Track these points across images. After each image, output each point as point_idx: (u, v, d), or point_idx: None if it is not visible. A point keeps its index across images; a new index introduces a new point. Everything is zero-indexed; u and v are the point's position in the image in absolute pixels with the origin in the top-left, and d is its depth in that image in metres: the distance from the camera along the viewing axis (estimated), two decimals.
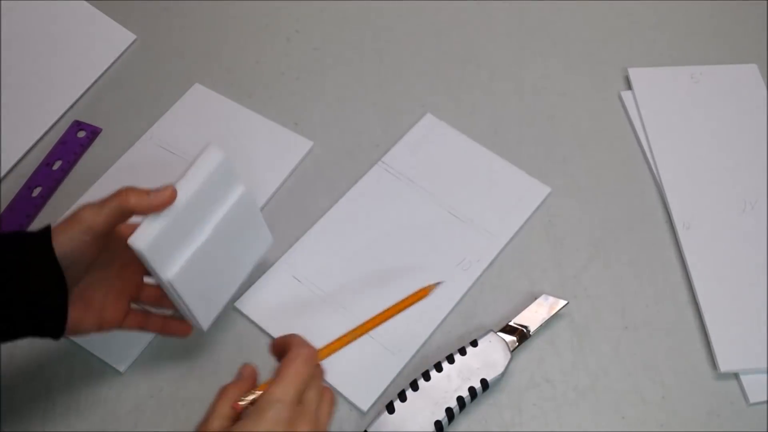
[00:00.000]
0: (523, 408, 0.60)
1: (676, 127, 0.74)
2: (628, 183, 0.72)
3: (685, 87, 0.77)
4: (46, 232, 0.49)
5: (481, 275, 0.66)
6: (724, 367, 0.61)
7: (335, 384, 0.60)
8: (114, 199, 0.50)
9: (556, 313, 0.63)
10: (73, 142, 0.73)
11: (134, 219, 0.50)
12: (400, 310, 0.55)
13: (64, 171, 0.71)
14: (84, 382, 0.61)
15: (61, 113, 0.75)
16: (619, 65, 0.79)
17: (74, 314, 0.51)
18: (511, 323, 0.62)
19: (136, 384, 0.61)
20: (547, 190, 0.71)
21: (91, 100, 0.76)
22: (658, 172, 0.72)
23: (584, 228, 0.69)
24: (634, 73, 0.78)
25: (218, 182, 0.53)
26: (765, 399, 0.61)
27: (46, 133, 0.74)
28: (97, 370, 0.61)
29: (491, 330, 0.61)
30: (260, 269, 0.65)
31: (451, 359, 0.59)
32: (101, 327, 0.54)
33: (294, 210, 0.70)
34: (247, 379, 0.49)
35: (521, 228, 0.69)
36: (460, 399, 0.58)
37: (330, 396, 0.50)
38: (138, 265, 0.52)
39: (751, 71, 0.78)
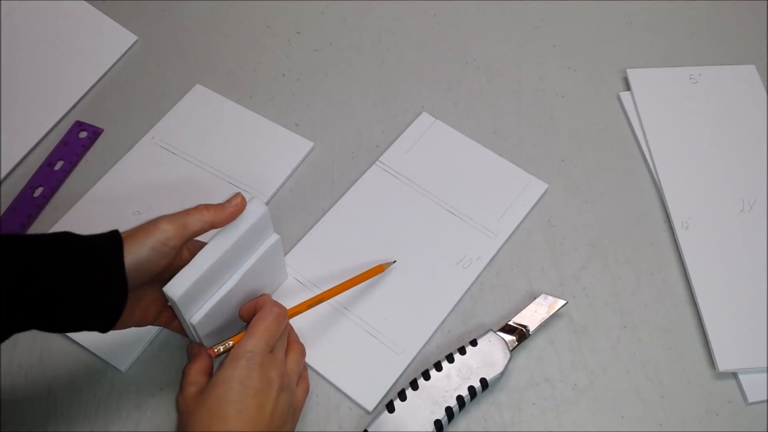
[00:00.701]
0: (523, 407, 0.61)
1: (675, 128, 0.75)
2: (626, 183, 0.72)
3: (684, 88, 0.77)
4: (118, 240, 0.50)
5: (481, 273, 0.66)
6: (722, 366, 0.62)
7: (340, 384, 0.61)
8: (194, 214, 0.52)
9: (555, 312, 0.63)
10: (75, 143, 0.73)
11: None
12: (358, 282, 0.61)
13: (66, 171, 0.71)
14: (85, 382, 0.61)
15: (62, 114, 0.75)
16: (617, 66, 0.80)
17: (124, 313, 0.52)
18: (510, 323, 0.62)
19: (137, 384, 0.61)
20: (544, 186, 0.71)
21: (93, 101, 0.77)
22: (656, 173, 0.72)
23: (583, 228, 0.70)
24: (632, 74, 0.78)
25: (256, 233, 0.55)
26: (763, 398, 0.61)
27: (48, 133, 0.74)
28: (99, 370, 0.62)
29: (491, 329, 0.61)
30: None
31: (450, 358, 0.60)
32: (140, 323, 0.56)
33: (294, 210, 0.70)
34: (203, 353, 0.55)
35: (521, 227, 0.69)
36: (459, 398, 0.58)
37: (299, 348, 0.57)
38: None
39: (749, 72, 0.78)
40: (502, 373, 0.60)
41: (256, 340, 0.52)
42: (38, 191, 0.70)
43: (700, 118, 0.75)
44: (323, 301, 0.59)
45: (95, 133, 0.74)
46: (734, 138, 0.74)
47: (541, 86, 0.78)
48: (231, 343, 0.54)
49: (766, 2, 0.85)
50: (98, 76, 0.78)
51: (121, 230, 0.51)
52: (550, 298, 0.63)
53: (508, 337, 0.61)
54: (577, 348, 0.63)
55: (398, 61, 0.80)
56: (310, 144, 0.73)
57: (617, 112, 0.77)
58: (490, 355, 0.60)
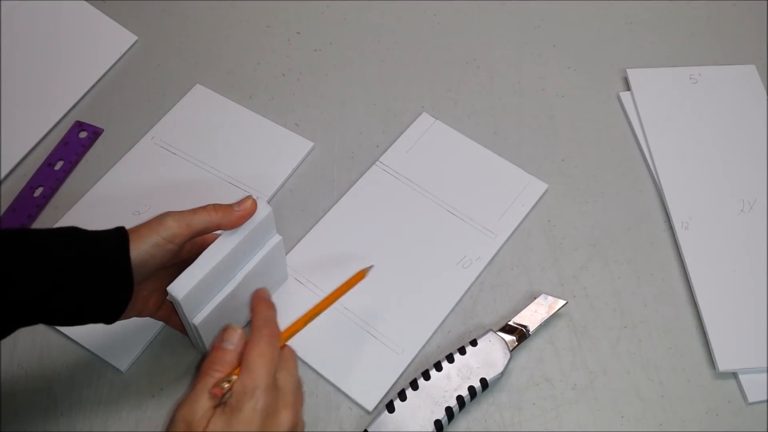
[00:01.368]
0: (523, 407, 0.61)
1: (675, 128, 0.75)
2: (627, 183, 0.72)
3: (684, 88, 0.77)
4: (124, 236, 0.50)
5: (480, 273, 0.66)
6: (722, 366, 0.62)
7: (340, 384, 0.61)
8: (201, 214, 0.51)
9: (555, 312, 0.63)
10: (75, 143, 0.73)
11: None
12: (343, 293, 0.56)
13: (66, 171, 0.71)
14: (85, 382, 0.61)
15: (62, 114, 0.75)
16: (617, 66, 0.80)
17: (128, 306, 0.52)
18: (510, 323, 0.62)
19: (137, 383, 0.61)
20: (544, 186, 0.71)
21: (93, 101, 0.77)
22: (656, 173, 0.72)
23: (583, 228, 0.70)
24: (632, 74, 0.78)
25: (258, 234, 0.55)
26: (763, 398, 0.61)
27: (48, 133, 0.74)
28: (98, 370, 0.62)
29: (491, 329, 0.61)
30: None
31: (450, 358, 0.60)
32: (140, 314, 0.56)
33: (295, 210, 0.70)
34: (229, 363, 0.48)
35: (521, 227, 0.69)
36: (459, 398, 0.58)
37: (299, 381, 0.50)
38: None
39: (749, 72, 0.78)
40: (502, 373, 0.60)
41: (253, 373, 0.46)
42: (38, 191, 0.70)
43: (700, 118, 0.75)
44: (311, 319, 0.54)
45: (95, 133, 0.74)
46: (734, 138, 0.74)
47: (541, 86, 0.78)
48: (235, 377, 0.47)
49: (766, 2, 0.85)
50: (98, 76, 0.78)
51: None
52: (550, 298, 0.63)
53: (508, 337, 0.61)
54: (577, 348, 0.63)
55: (398, 61, 0.80)
56: (310, 144, 0.73)
57: (617, 112, 0.77)
58: (490, 355, 0.60)
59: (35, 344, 0.63)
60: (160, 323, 0.63)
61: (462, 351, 0.60)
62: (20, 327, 0.48)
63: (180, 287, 0.51)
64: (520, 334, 0.62)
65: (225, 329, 0.49)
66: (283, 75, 0.79)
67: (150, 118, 0.75)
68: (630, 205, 0.71)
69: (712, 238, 0.68)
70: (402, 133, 0.74)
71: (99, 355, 0.62)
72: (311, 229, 0.68)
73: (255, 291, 0.52)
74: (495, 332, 0.61)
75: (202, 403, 0.45)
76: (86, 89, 0.77)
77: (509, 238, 0.68)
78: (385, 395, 0.60)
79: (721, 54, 0.81)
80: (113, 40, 0.80)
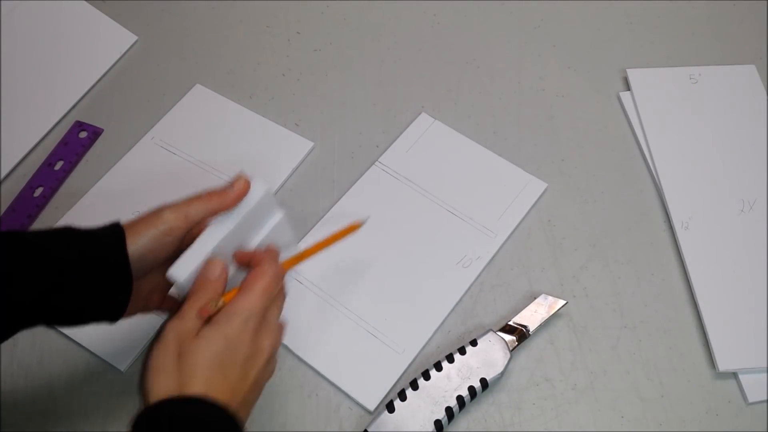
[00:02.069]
0: (523, 407, 0.61)
1: (675, 128, 0.75)
2: (627, 183, 0.72)
3: (684, 88, 0.77)
4: (119, 232, 0.49)
5: (481, 273, 0.66)
6: (722, 366, 0.62)
7: (340, 384, 0.61)
8: (196, 203, 0.51)
9: (555, 312, 0.63)
10: (75, 143, 0.73)
11: None
12: (334, 241, 0.57)
13: (66, 171, 0.71)
14: (85, 382, 0.61)
15: (62, 114, 0.75)
16: (617, 66, 0.80)
17: (130, 303, 0.52)
18: (510, 323, 0.62)
19: (137, 383, 0.61)
20: (544, 185, 0.71)
21: (93, 101, 0.77)
22: (656, 173, 0.72)
23: (583, 228, 0.70)
24: (632, 74, 0.78)
25: (259, 213, 0.54)
26: (764, 398, 0.61)
27: (48, 133, 0.74)
28: (98, 370, 0.62)
29: (491, 329, 0.61)
30: None
31: (450, 358, 0.60)
32: (144, 310, 0.55)
33: (295, 211, 0.70)
34: (217, 281, 0.49)
35: (521, 227, 0.69)
36: (459, 398, 0.58)
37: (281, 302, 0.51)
38: None
39: (749, 72, 0.78)
40: (502, 373, 0.60)
41: (253, 300, 0.48)
42: (38, 191, 0.70)
43: (700, 118, 0.75)
44: (307, 257, 0.56)
45: (95, 133, 0.74)
46: (734, 138, 0.74)
47: (541, 86, 0.78)
48: (222, 302, 0.48)
49: (766, 2, 0.85)
50: (98, 76, 0.78)
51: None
52: (550, 298, 0.63)
53: (508, 337, 0.61)
54: (578, 348, 0.63)
55: (398, 61, 0.80)
56: (310, 144, 0.73)
57: (617, 112, 0.77)
58: (490, 355, 0.60)
59: (35, 345, 0.63)
60: (159, 323, 0.63)
61: (462, 351, 0.60)
62: (22, 329, 0.48)
63: (180, 270, 0.50)
64: (520, 334, 0.62)
65: (207, 263, 0.50)
66: (283, 75, 0.79)
67: (150, 118, 0.75)
68: (630, 204, 0.71)
69: (713, 238, 0.68)
70: (402, 133, 0.74)
71: (99, 356, 0.62)
72: (311, 229, 0.68)
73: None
74: (495, 332, 0.61)
75: (191, 319, 0.47)
76: (86, 89, 0.77)
77: (509, 237, 0.68)
78: (386, 395, 0.60)
79: (721, 54, 0.81)
80: (113, 40, 0.80)
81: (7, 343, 0.62)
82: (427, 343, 0.63)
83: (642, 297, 0.66)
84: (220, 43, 0.81)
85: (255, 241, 0.55)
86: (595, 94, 0.78)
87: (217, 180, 0.71)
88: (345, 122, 0.75)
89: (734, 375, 0.62)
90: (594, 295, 0.66)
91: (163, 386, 0.45)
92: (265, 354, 0.48)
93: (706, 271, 0.66)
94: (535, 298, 0.64)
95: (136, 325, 0.62)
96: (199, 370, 0.45)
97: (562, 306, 0.63)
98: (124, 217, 0.51)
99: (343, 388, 0.60)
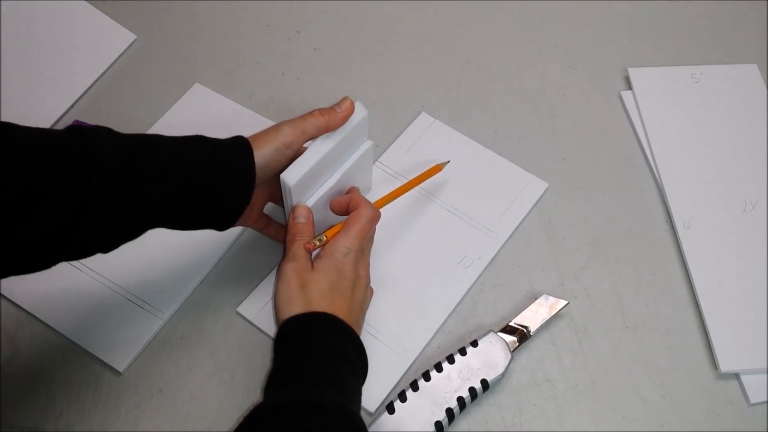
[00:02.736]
0: (524, 408, 0.60)
1: (677, 127, 0.74)
2: (628, 183, 0.72)
3: (685, 87, 0.77)
4: (246, 144, 0.55)
5: (482, 273, 0.66)
6: (724, 367, 0.61)
7: None
8: (310, 119, 0.56)
9: (556, 313, 0.63)
10: None
11: None
12: (421, 181, 0.66)
13: None
14: (84, 382, 0.61)
15: (61, 113, 0.75)
16: (619, 65, 0.79)
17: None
18: (511, 323, 0.62)
19: (136, 384, 0.61)
20: (544, 185, 0.71)
21: (92, 100, 0.76)
22: (658, 172, 0.72)
23: (584, 228, 0.69)
24: (634, 73, 0.78)
25: (355, 134, 0.59)
26: (765, 399, 0.61)
27: None
28: (97, 370, 0.61)
29: (491, 330, 0.61)
30: (261, 275, 0.65)
31: (451, 359, 0.59)
32: (244, 222, 0.61)
33: None
34: (306, 224, 0.58)
35: (521, 227, 0.69)
36: (460, 399, 0.58)
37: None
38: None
39: (751, 71, 0.78)
40: (503, 374, 0.59)
41: (352, 239, 0.56)
42: None
43: (701, 117, 0.75)
44: (396, 197, 0.63)
45: None
46: (736, 137, 0.74)
47: (542, 85, 0.78)
48: (325, 238, 0.57)
49: (766, 2, 0.85)
50: (97, 75, 0.77)
51: None
52: (551, 298, 0.63)
53: (509, 338, 0.61)
54: (579, 348, 0.63)
55: (398, 60, 0.80)
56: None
57: (618, 111, 0.77)
58: (490, 355, 0.60)
59: (34, 345, 0.62)
60: (158, 324, 0.63)
61: (463, 352, 0.60)
62: (147, 230, 0.53)
63: (292, 174, 0.56)
64: (521, 334, 0.62)
65: (294, 208, 0.58)
66: (283, 74, 0.79)
67: (149, 117, 0.75)
68: (631, 204, 0.71)
69: (714, 238, 0.68)
70: (402, 132, 0.74)
71: (98, 356, 0.61)
72: None
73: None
74: (496, 333, 0.61)
75: (302, 257, 0.56)
76: (85, 88, 0.76)
77: (510, 237, 0.68)
78: (387, 396, 0.60)
79: (722, 53, 0.81)
80: (112, 39, 0.80)
81: (7, 343, 0.62)
82: (427, 344, 0.63)
83: (643, 297, 0.66)
84: (220, 43, 0.81)
85: (349, 162, 0.61)
86: (596, 93, 0.78)
87: None
88: None
89: (736, 376, 0.62)
90: (595, 295, 0.66)
91: (295, 311, 0.53)
92: (363, 280, 0.57)
93: (707, 271, 0.66)
94: (536, 299, 0.63)
95: (135, 326, 0.62)
96: (320, 294, 0.54)
97: (564, 306, 0.63)
98: None
99: None
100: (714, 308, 0.64)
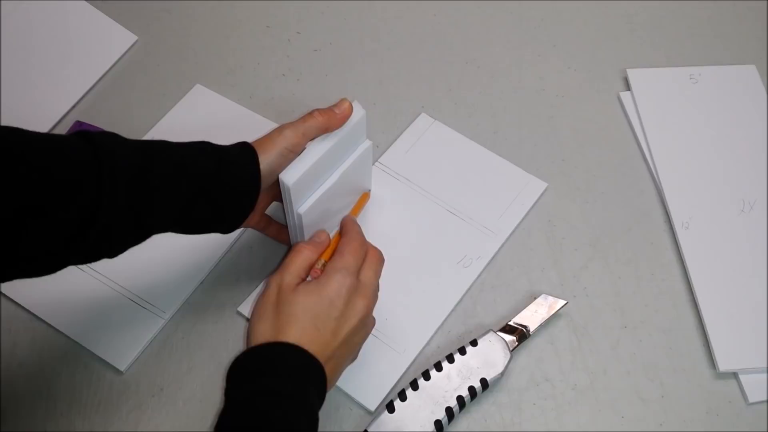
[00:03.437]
0: (523, 407, 0.61)
1: (675, 128, 0.74)
2: (627, 183, 0.72)
3: (684, 88, 0.77)
4: (252, 150, 0.55)
5: (481, 273, 0.66)
6: (723, 366, 0.62)
7: (341, 384, 0.60)
8: (310, 120, 0.56)
9: (555, 312, 0.63)
10: None
11: None
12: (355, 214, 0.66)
13: None
14: (85, 382, 0.61)
15: (62, 114, 0.75)
16: (617, 66, 0.80)
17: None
18: (510, 323, 0.62)
19: (137, 383, 0.61)
20: (544, 185, 0.71)
21: (93, 101, 0.76)
22: (657, 173, 0.72)
23: (583, 228, 0.70)
24: (632, 74, 0.78)
25: (354, 134, 0.60)
26: (764, 398, 0.61)
27: None
28: (98, 370, 0.62)
29: (491, 329, 0.61)
30: (262, 275, 0.66)
31: (450, 359, 0.60)
32: (247, 224, 0.60)
33: None
34: (321, 243, 0.57)
35: (521, 227, 0.69)
36: (459, 398, 0.58)
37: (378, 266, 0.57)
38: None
39: (749, 72, 0.78)
40: (502, 374, 0.59)
41: (344, 259, 0.54)
42: None
43: (700, 118, 0.75)
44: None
45: None
46: (734, 138, 0.74)
47: (541, 86, 0.78)
48: (323, 262, 0.56)
49: (766, 2, 0.85)
50: (98, 76, 0.77)
51: None
52: (551, 298, 0.63)
53: (509, 338, 0.61)
54: (578, 348, 0.63)
55: (398, 60, 0.80)
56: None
57: (617, 112, 0.77)
58: (490, 355, 0.60)
59: (35, 344, 0.63)
60: (160, 324, 0.63)
61: (462, 351, 0.60)
62: (154, 234, 0.53)
63: (291, 174, 0.56)
64: (521, 334, 0.62)
65: (318, 232, 0.58)
66: (283, 75, 0.79)
67: (150, 118, 0.75)
68: (630, 204, 0.71)
69: (713, 238, 0.68)
70: (402, 133, 0.74)
71: (99, 355, 0.62)
72: None
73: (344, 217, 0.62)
74: (495, 332, 0.61)
75: (290, 273, 0.53)
76: (86, 89, 0.77)
77: (509, 237, 0.68)
78: (387, 395, 0.60)
79: (721, 54, 0.81)
80: (113, 39, 0.80)
81: (7, 343, 0.62)
82: (427, 344, 0.63)
83: (642, 297, 0.66)
84: (220, 43, 0.81)
85: (348, 162, 0.61)
86: (596, 94, 0.78)
87: None
88: None
89: (735, 375, 0.62)
90: (594, 295, 0.66)
91: (261, 332, 0.51)
92: (358, 315, 0.53)
93: (706, 271, 0.66)
94: (535, 298, 0.64)
95: (136, 326, 0.63)
96: (293, 319, 0.50)
97: (563, 306, 0.63)
98: None
99: (343, 388, 0.60)
100: (712, 308, 0.64)
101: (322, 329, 0.51)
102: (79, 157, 0.48)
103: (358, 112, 0.59)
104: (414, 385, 0.58)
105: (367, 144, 0.62)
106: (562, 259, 0.68)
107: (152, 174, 0.50)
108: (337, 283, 0.52)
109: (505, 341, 0.61)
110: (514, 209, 0.69)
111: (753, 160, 0.72)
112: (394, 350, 0.62)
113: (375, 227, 0.68)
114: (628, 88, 0.78)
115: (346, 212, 0.66)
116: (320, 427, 0.59)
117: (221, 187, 0.53)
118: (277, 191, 0.58)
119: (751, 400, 0.61)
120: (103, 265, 0.62)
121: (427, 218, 0.69)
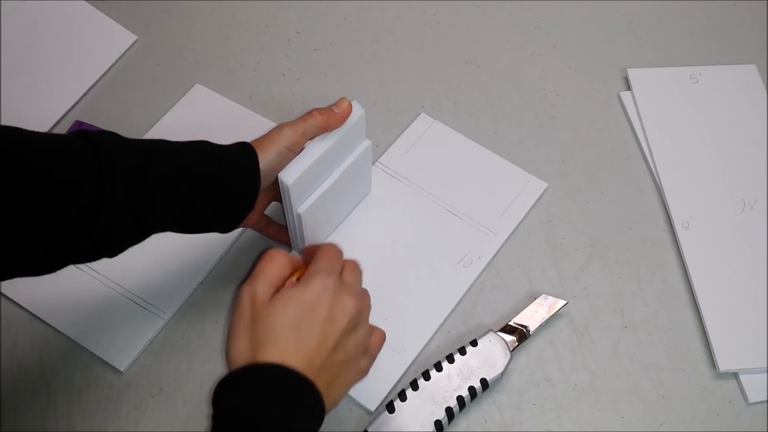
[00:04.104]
0: (523, 407, 0.61)
1: (675, 128, 0.74)
2: (627, 183, 0.72)
3: (684, 87, 0.77)
4: (251, 150, 0.55)
5: (481, 273, 0.66)
6: (723, 366, 0.62)
7: None
8: (309, 119, 0.56)
9: (555, 312, 0.63)
10: None
11: None
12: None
13: None
14: (85, 382, 0.61)
15: (62, 114, 0.75)
16: (618, 66, 0.80)
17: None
18: (510, 323, 0.62)
19: (137, 383, 0.61)
20: (544, 185, 0.71)
21: (93, 101, 0.76)
22: (657, 173, 0.72)
23: (583, 228, 0.70)
24: (633, 74, 0.78)
25: (353, 134, 0.60)
26: (764, 399, 0.61)
27: None
28: (98, 370, 0.62)
29: (491, 330, 0.61)
30: None
31: (451, 359, 0.60)
32: (246, 224, 0.60)
33: None
34: (297, 258, 0.52)
35: (521, 227, 0.69)
36: (459, 398, 0.58)
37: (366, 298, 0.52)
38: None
39: (750, 72, 0.78)
40: (502, 374, 0.59)
41: (323, 261, 0.49)
42: None
43: (700, 117, 0.75)
44: None
45: None
46: (735, 138, 0.74)
47: (541, 86, 0.78)
48: (296, 277, 0.50)
49: (766, 2, 0.85)
50: (98, 76, 0.78)
51: None
52: (551, 298, 0.63)
53: (509, 338, 0.61)
54: (578, 348, 0.63)
55: (398, 60, 0.80)
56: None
57: (618, 111, 0.77)
58: (490, 355, 0.60)
59: (35, 344, 0.63)
60: (159, 324, 0.63)
61: (462, 351, 0.60)
62: (153, 233, 0.53)
63: (290, 173, 0.56)
64: (521, 334, 0.62)
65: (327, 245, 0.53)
66: (283, 75, 0.79)
67: (150, 118, 0.75)
68: (630, 204, 0.71)
69: (713, 238, 0.68)
70: (402, 133, 0.74)
71: (99, 355, 0.62)
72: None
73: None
74: (495, 332, 0.61)
75: (262, 283, 0.47)
76: (86, 89, 0.77)
77: (509, 237, 0.68)
78: (387, 395, 0.60)
79: (721, 54, 0.81)
80: (113, 39, 0.80)
81: (7, 343, 0.62)
82: (427, 344, 0.63)
83: (642, 297, 0.66)
84: (220, 43, 0.81)
85: (347, 161, 0.61)
86: (596, 93, 0.78)
87: None
88: None
89: (735, 375, 0.62)
90: (594, 295, 0.66)
91: (238, 353, 0.46)
92: (347, 314, 0.47)
93: (706, 271, 0.66)
94: (535, 298, 0.64)
95: (136, 326, 0.63)
96: (272, 335, 0.45)
97: (563, 306, 0.63)
98: None
99: None
100: (713, 308, 0.64)
101: (306, 339, 0.45)
102: (79, 157, 0.48)
103: (358, 112, 0.58)
104: (414, 385, 0.58)
105: (366, 143, 0.62)
106: (562, 259, 0.68)
107: (152, 174, 0.50)
108: (318, 285, 0.47)
109: (505, 341, 0.61)
110: (514, 209, 0.69)
111: (753, 160, 0.72)
112: (394, 350, 0.62)
113: (375, 227, 0.68)
114: (628, 87, 0.78)
115: (345, 212, 0.66)
116: (321, 427, 0.59)
117: (221, 186, 0.53)
118: (276, 191, 0.58)
119: (751, 400, 0.61)
120: (103, 265, 0.63)
121: (427, 218, 0.69)
